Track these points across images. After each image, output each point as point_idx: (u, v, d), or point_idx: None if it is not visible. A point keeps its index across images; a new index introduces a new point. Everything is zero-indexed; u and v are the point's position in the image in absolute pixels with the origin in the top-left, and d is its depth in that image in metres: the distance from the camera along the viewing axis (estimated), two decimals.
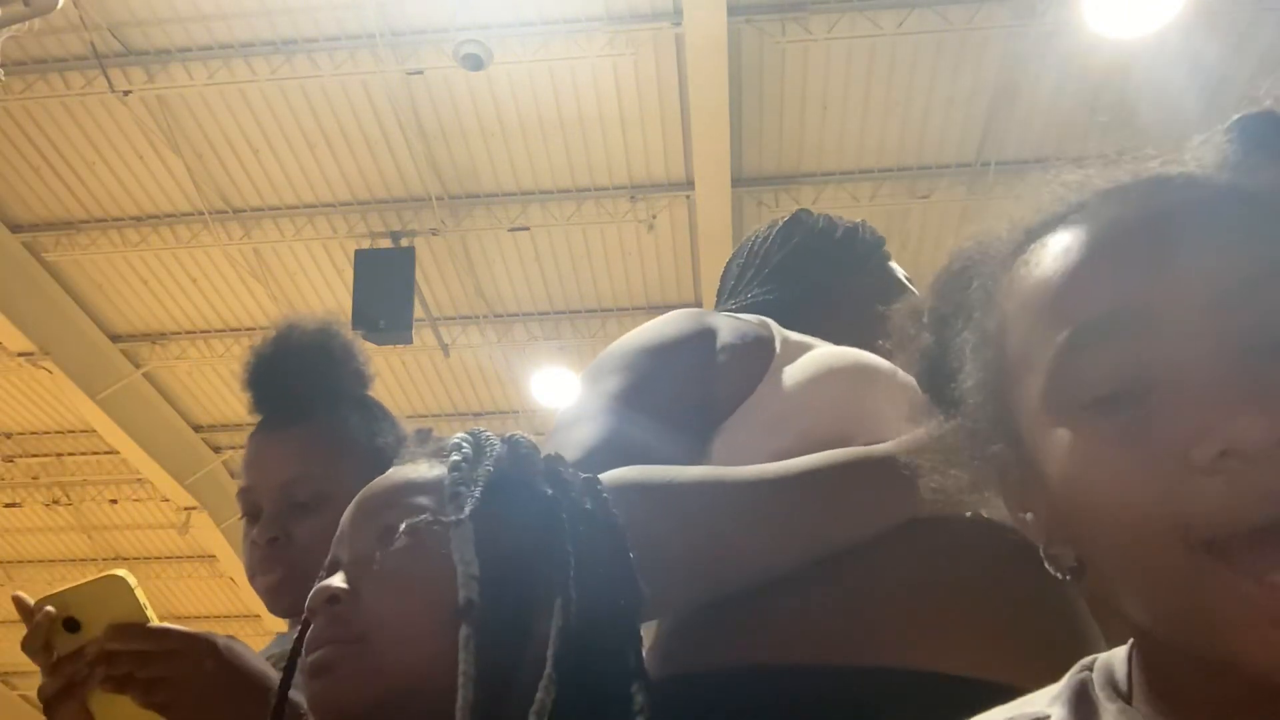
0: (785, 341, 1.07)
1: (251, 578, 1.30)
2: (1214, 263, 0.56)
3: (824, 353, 1.06)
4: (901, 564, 0.96)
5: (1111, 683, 0.65)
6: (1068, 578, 0.64)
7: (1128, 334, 0.57)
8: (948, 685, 0.93)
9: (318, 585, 0.88)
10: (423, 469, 0.94)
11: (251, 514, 1.32)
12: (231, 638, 1.09)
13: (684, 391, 1.01)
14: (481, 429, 0.97)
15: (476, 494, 0.88)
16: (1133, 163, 0.64)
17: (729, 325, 1.08)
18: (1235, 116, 0.65)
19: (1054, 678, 0.97)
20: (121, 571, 1.01)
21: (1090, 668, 0.67)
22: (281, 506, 1.29)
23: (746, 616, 0.95)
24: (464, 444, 0.94)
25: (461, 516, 0.86)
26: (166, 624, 1.04)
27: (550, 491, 0.91)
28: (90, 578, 1.00)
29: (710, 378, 1.02)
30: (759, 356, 1.04)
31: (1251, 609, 0.52)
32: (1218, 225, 0.58)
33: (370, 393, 1.46)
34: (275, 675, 1.01)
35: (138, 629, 1.01)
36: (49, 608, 1.00)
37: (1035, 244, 0.64)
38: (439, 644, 0.82)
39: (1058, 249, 0.62)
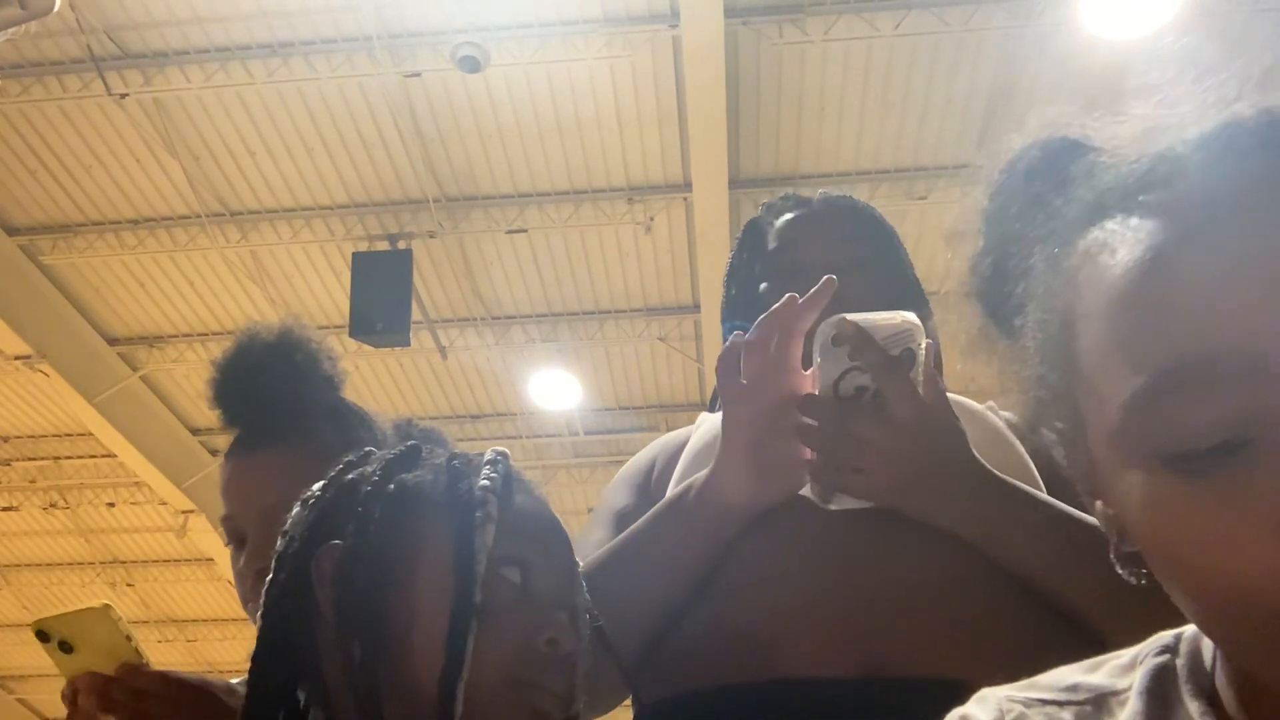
0: (696, 430, 1.34)
1: (244, 604, 1.29)
2: None
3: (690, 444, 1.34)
4: (766, 580, 1.10)
5: (1196, 677, 0.57)
6: (1143, 581, 0.56)
7: (1225, 381, 0.47)
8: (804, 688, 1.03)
9: (561, 621, 0.90)
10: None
11: (236, 541, 1.30)
12: (230, 685, 1.09)
13: (638, 503, 1.31)
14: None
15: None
16: (1229, 98, 0.52)
17: (665, 444, 1.38)
18: None
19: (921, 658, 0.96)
20: (105, 603, 1.10)
21: (1173, 649, 0.59)
22: (265, 534, 1.24)
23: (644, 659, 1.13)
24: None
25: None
26: (174, 671, 1.06)
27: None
28: (79, 607, 1.08)
29: (650, 489, 1.33)
30: (674, 463, 1.32)
31: None
32: None
33: (348, 393, 1.43)
34: None
35: (143, 671, 1.04)
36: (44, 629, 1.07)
37: (1116, 217, 0.53)
38: None
39: (1145, 248, 0.50)
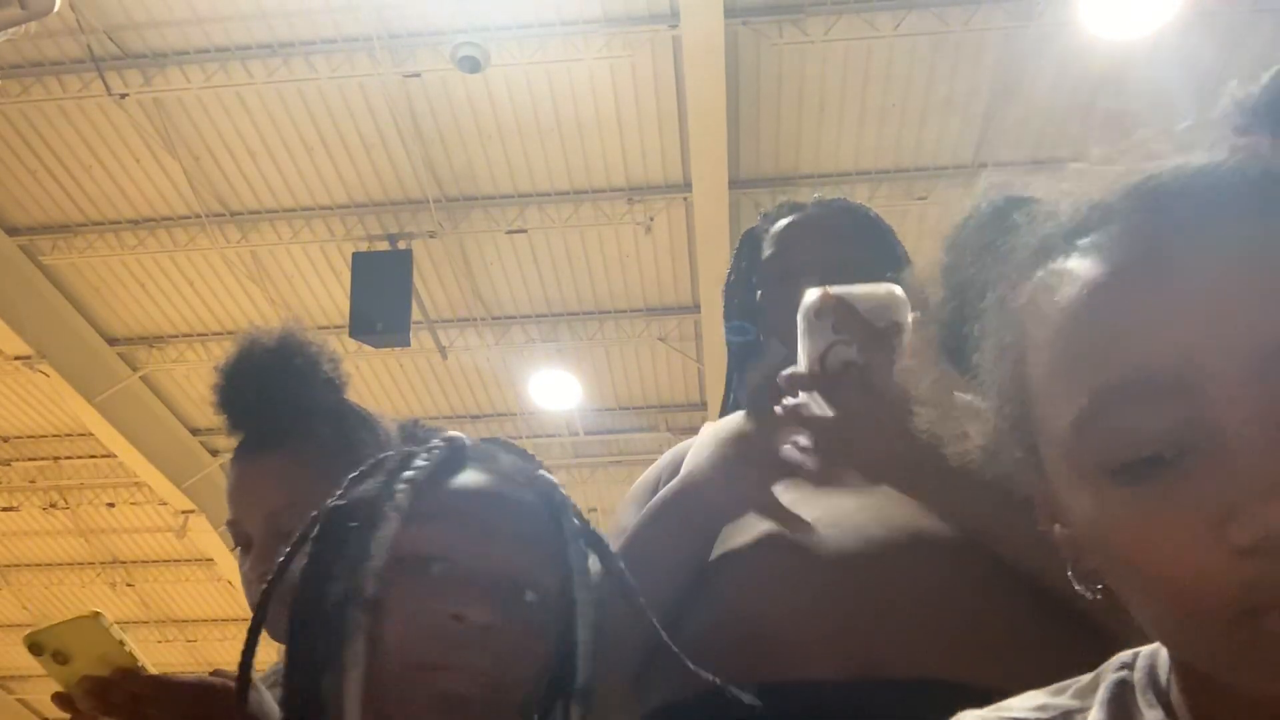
0: (697, 441, 1.33)
1: (253, 607, 1.30)
2: (1256, 320, 0.51)
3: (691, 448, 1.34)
4: (757, 589, 1.10)
5: (1154, 687, 0.62)
6: (1097, 597, 0.61)
7: (1159, 396, 0.52)
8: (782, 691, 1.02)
9: (467, 594, 0.86)
10: (536, 500, 0.95)
11: (243, 545, 1.31)
12: (228, 683, 1.11)
13: None
14: (539, 469, 1.00)
15: (589, 569, 0.93)
16: (1156, 155, 0.58)
17: (671, 459, 1.37)
18: (1276, 67, 0.59)
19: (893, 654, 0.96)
20: (95, 611, 1.10)
21: (1131, 665, 0.64)
22: (271, 537, 1.26)
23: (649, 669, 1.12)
24: (571, 512, 0.96)
25: (589, 596, 0.91)
26: (170, 675, 1.07)
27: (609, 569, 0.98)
28: (69, 617, 1.08)
29: None
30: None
31: None
32: (1260, 268, 0.52)
33: (349, 394, 1.43)
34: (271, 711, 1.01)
35: (139, 676, 1.05)
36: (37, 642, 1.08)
37: (1056, 260, 0.59)
38: (518, 707, 0.87)
39: (1082, 284, 0.56)
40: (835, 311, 1.03)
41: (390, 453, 1.00)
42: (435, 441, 0.98)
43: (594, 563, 0.98)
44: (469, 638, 0.85)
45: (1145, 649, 0.64)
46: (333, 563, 0.91)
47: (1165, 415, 0.52)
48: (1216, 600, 0.51)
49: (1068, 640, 0.87)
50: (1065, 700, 0.65)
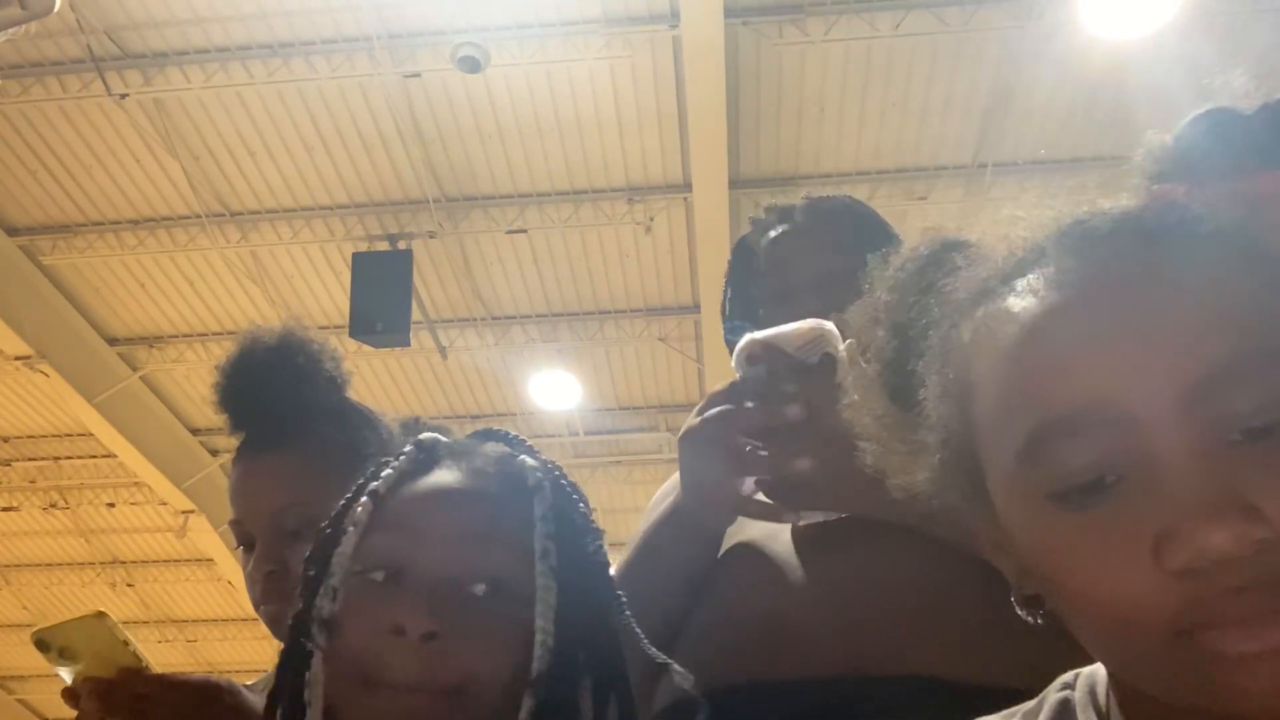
0: None
1: (256, 607, 1.29)
2: (1182, 354, 0.55)
3: None
4: (745, 593, 1.10)
5: (1094, 705, 0.65)
6: (1039, 621, 0.64)
7: (1095, 428, 0.56)
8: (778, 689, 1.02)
9: (406, 604, 0.83)
10: (501, 489, 0.92)
11: (246, 544, 1.31)
12: (233, 684, 1.11)
13: None
14: (523, 453, 0.97)
15: (554, 554, 0.88)
16: (1083, 201, 0.63)
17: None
18: (1186, 119, 0.65)
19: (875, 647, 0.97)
20: (99, 610, 1.11)
21: (1072, 685, 0.67)
22: (273, 536, 1.27)
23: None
24: (545, 483, 0.92)
25: (551, 583, 0.86)
26: (175, 674, 1.08)
27: (600, 548, 0.93)
28: (76, 616, 1.09)
29: None
30: None
31: (1241, 680, 0.52)
32: (1181, 303, 0.56)
33: (350, 393, 1.43)
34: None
35: (143, 676, 1.06)
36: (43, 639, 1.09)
37: (995, 300, 0.62)
38: (506, 703, 0.83)
39: (1019, 323, 0.60)
40: (765, 358, 1.03)
41: (372, 464, 0.99)
42: (406, 447, 0.96)
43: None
44: (412, 651, 0.81)
45: (1085, 669, 0.67)
46: (308, 584, 0.91)
47: (1101, 445, 0.55)
48: (1153, 620, 0.54)
49: (1060, 639, 0.87)
50: None
